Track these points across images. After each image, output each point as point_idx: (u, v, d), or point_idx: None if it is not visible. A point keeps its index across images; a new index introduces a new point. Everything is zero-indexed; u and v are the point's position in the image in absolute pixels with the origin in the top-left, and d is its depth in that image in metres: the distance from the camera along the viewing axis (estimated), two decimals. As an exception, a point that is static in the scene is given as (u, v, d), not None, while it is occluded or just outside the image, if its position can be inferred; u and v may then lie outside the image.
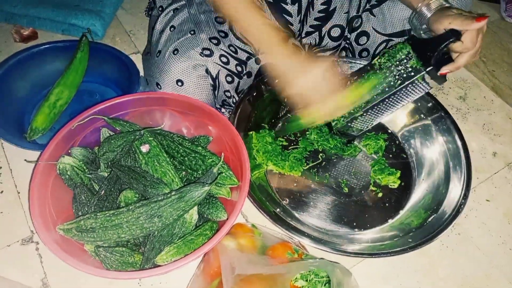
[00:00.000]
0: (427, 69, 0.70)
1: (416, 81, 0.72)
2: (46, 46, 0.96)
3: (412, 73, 0.72)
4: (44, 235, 0.62)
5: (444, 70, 0.71)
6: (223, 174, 0.73)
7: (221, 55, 0.83)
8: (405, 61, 0.73)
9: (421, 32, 0.77)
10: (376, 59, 0.77)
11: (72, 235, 0.65)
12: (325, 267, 0.63)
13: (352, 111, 0.78)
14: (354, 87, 0.77)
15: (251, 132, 0.89)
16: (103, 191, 0.71)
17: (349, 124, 0.80)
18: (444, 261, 0.82)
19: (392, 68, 0.74)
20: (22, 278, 0.74)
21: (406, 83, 0.72)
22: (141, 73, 0.98)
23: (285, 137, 0.93)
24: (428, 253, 0.82)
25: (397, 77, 0.73)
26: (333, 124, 0.81)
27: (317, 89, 0.71)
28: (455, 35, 0.68)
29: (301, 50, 0.79)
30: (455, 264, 0.82)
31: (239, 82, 0.88)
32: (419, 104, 0.93)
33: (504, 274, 0.82)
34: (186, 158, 0.74)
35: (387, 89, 0.74)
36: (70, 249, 0.65)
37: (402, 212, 0.86)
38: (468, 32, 0.67)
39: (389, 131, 0.97)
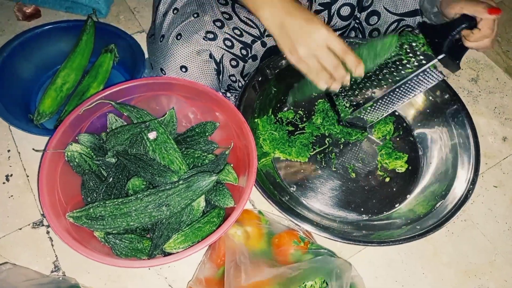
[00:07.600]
0: (439, 57, 0.67)
1: (427, 69, 0.70)
2: (49, 26, 0.94)
3: (424, 62, 0.69)
4: (54, 224, 0.63)
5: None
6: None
7: (225, 39, 0.81)
8: (416, 49, 0.70)
9: (432, 16, 0.74)
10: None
11: (82, 223, 0.66)
12: (323, 275, 0.62)
13: (360, 102, 0.76)
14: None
15: (256, 120, 0.88)
16: (111, 178, 0.71)
17: (359, 115, 0.79)
18: (448, 248, 0.83)
19: (403, 57, 0.71)
20: (34, 261, 0.75)
21: (418, 71, 0.69)
22: (146, 55, 0.96)
23: (290, 122, 0.92)
24: (433, 239, 0.83)
25: (408, 66, 0.71)
26: (341, 115, 0.79)
27: (324, 56, 0.65)
28: (468, 20, 0.65)
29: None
30: (460, 251, 0.83)
31: (244, 66, 0.86)
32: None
33: (508, 261, 0.82)
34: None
35: (397, 78, 0.71)
36: (80, 235, 0.66)
37: (410, 197, 0.86)
38: (485, 20, 0.65)
39: (396, 113, 0.95)
